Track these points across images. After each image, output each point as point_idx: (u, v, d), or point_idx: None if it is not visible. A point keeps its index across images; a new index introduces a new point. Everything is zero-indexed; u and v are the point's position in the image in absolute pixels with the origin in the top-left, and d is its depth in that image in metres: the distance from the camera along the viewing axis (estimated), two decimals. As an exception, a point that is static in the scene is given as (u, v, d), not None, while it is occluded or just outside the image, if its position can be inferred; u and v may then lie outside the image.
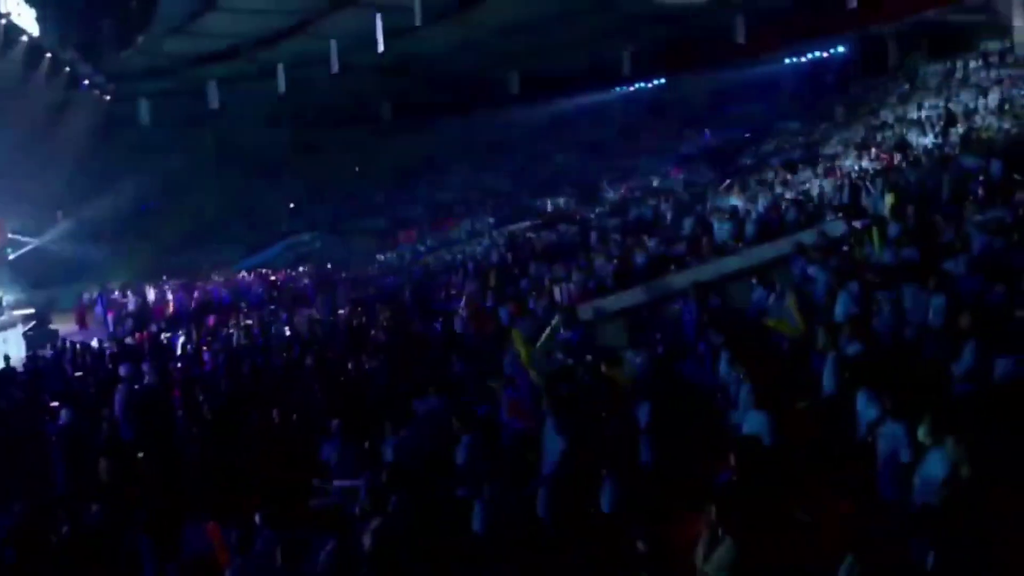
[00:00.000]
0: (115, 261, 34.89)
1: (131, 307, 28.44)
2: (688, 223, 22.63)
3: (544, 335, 13.93)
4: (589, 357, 11.65)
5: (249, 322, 20.31)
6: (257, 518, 7.17)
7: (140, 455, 10.44)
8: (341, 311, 21.84)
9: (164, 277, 32.69)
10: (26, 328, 24.69)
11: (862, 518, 6.30)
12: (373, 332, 17.49)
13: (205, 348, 16.69)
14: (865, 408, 7.38)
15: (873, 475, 6.72)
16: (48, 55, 24.19)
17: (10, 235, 33.16)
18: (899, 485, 6.40)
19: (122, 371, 13.48)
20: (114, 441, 11.03)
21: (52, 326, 25.94)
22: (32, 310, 27.64)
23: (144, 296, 29.60)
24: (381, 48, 24.26)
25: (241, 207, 41.16)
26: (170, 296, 28.71)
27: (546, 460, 8.39)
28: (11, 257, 33.58)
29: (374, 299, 22.81)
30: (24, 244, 33.62)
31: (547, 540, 6.98)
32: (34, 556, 8.22)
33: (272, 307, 24.50)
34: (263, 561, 6.50)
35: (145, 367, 13.48)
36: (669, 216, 25.52)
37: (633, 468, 7.90)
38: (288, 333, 18.82)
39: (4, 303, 28.98)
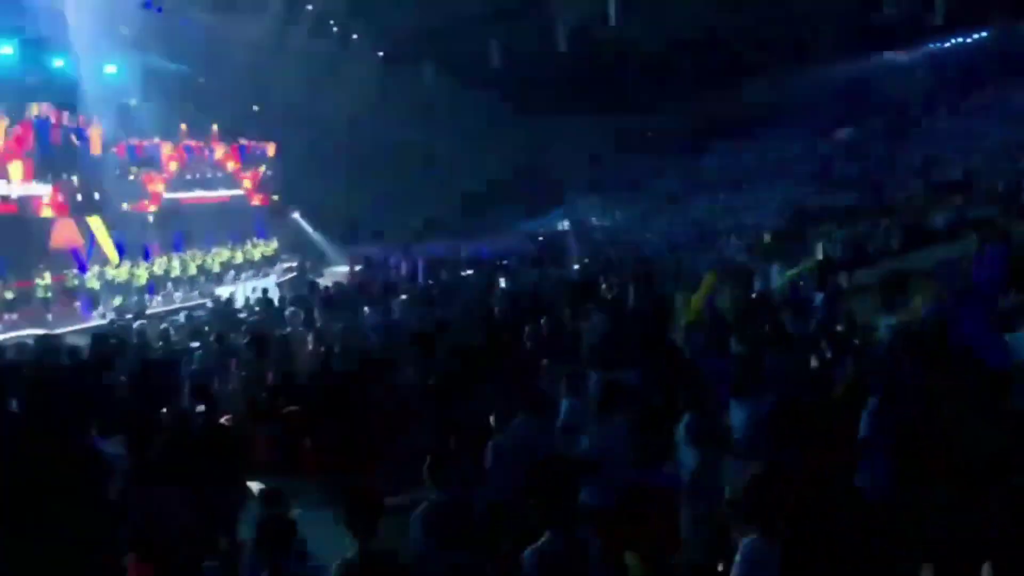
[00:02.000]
0: (395, 220, 35.36)
1: (391, 263, 28.57)
2: (1003, 183, 19.32)
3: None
4: (839, 327, 9.11)
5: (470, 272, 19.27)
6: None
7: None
8: (576, 267, 20.41)
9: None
10: (281, 278, 25.17)
11: None
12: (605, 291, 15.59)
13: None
14: None
15: None
16: (308, 7, 23.95)
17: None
18: None
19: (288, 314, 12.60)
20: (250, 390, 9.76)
21: (320, 279, 26.22)
22: (295, 263, 28.42)
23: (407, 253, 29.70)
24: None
25: (524, 170, 40.46)
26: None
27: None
28: (295, 214, 35.15)
29: (614, 263, 20.72)
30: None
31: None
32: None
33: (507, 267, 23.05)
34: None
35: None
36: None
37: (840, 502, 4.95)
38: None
39: (279, 255, 30.18)
